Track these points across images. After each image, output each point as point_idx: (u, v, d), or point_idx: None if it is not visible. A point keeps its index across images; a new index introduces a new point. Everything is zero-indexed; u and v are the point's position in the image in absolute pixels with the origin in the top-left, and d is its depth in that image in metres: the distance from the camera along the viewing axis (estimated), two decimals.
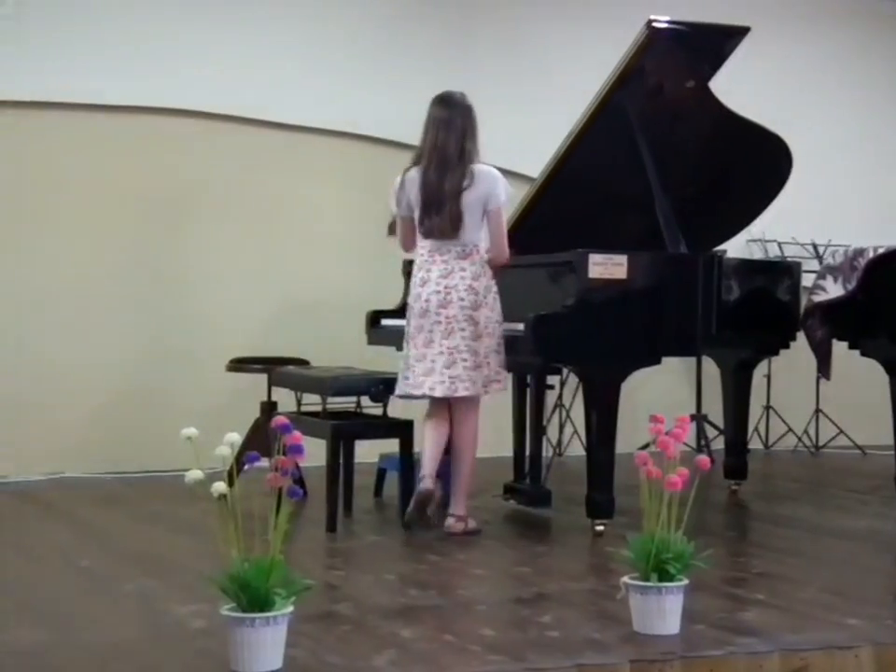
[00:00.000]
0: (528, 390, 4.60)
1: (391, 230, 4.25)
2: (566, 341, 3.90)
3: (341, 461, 4.18)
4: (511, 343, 4.02)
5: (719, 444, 5.55)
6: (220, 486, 2.45)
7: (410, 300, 4.06)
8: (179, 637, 2.77)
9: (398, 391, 4.07)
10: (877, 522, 4.38)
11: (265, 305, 5.59)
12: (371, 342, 4.76)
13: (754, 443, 6.17)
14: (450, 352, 3.94)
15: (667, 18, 4.17)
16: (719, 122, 4.44)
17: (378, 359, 4.63)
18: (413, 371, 3.99)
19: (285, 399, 4.58)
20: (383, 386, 4.16)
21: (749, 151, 4.51)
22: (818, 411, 6.33)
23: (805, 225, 6.19)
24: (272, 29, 5.62)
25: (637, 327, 4.00)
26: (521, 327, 3.92)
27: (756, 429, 6.28)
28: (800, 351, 4.71)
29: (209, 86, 5.48)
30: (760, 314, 4.48)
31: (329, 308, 5.51)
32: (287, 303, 5.56)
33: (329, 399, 4.19)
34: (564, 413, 5.95)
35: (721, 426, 5.29)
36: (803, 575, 3.49)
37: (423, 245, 4.01)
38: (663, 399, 5.51)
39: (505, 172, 5.83)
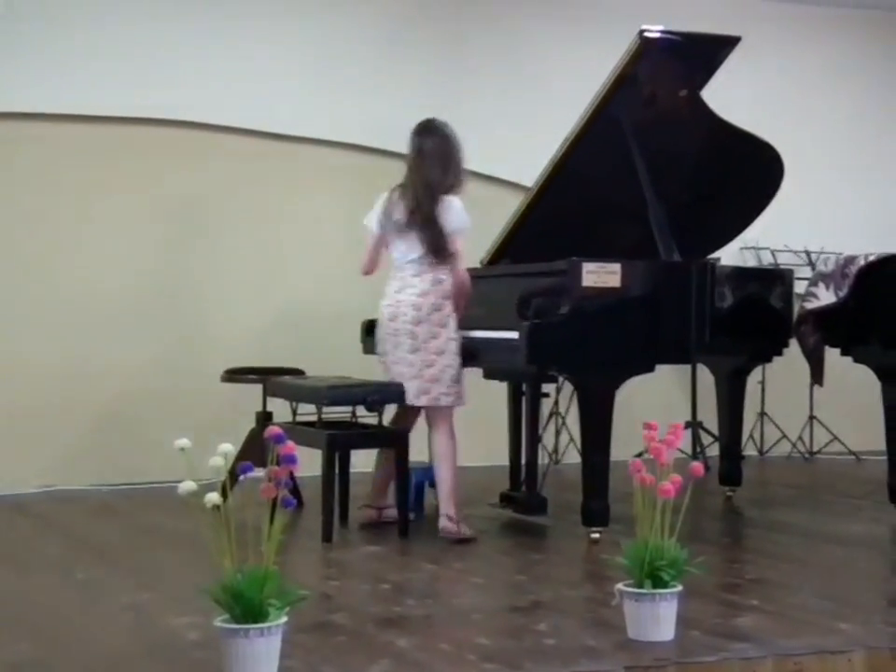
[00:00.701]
0: (524, 398, 4.61)
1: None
2: (560, 349, 3.91)
3: (336, 471, 4.19)
4: (505, 350, 4.03)
5: (714, 451, 5.56)
6: (213, 497, 2.45)
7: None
8: (174, 649, 2.77)
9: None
10: (871, 527, 4.39)
11: (261, 315, 5.60)
12: (367, 351, 4.76)
13: (749, 450, 6.19)
14: (394, 363, 4.18)
15: (660, 27, 4.19)
16: (711, 131, 4.46)
17: (373, 369, 4.63)
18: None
19: (280, 409, 4.58)
20: (378, 396, 4.16)
21: (742, 160, 4.53)
22: (811, 417, 6.34)
23: (797, 232, 6.21)
24: (270, 41, 5.64)
25: (631, 335, 4.01)
26: (515, 335, 3.93)
27: (751, 436, 6.29)
28: (793, 358, 4.72)
29: (206, 97, 5.49)
30: (753, 321, 4.50)
31: (325, 318, 5.52)
32: (283, 313, 5.56)
33: (325, 409, 4.19)
34: (560, 421, 5.96)
35: (716, 432, 5.30)
36: (796, 580, 3.50)
37: (393, 263, 4.21)
38: (658, 407, 5.50)
39: (499, 180, 5.98)
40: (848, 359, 4.56)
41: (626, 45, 4.19)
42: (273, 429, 2.57)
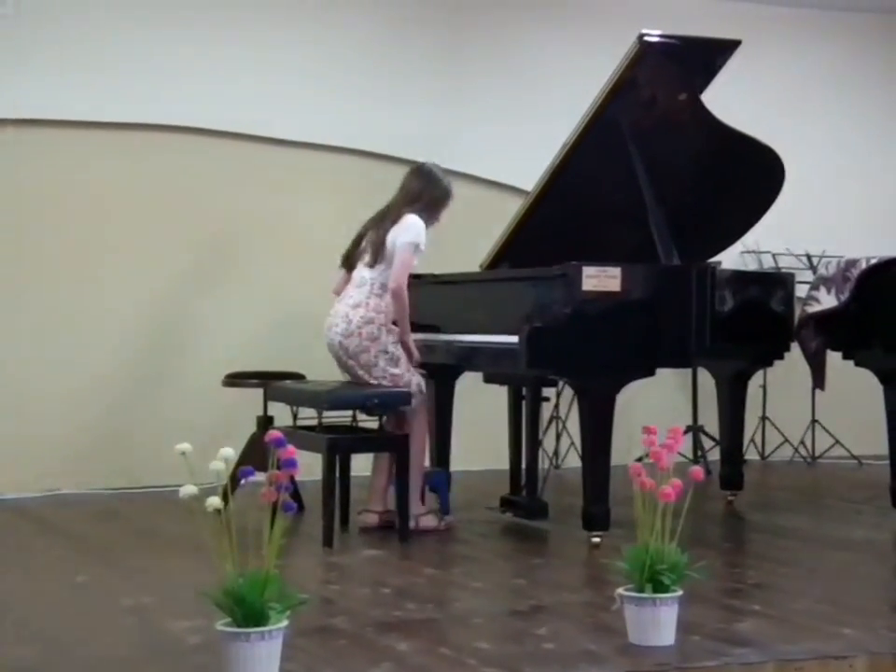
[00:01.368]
0: (524, 402, 4.61)
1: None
2: (560, 353, 3.91)
3: (337, 475, 4.19)
4: (505, 355, 4.03)
5: (715, 455, 5.56)
6: (215, 501, 2.46)
7: None
8: (175, 652, 2.77)
9: None
10: (873, 532, 4.38)
11: (261, 320, 5.60)
12: None
13: (750, 454, 6.18)
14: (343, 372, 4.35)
15: (659, 31, 4.19)
16: (711, 135, 4.46)
17: None
18: None
19: (281, 413, 4.58)
20: (378, 400, 4.16)
21: (742, 163, 4.53)
22: (813, 421, 6.34)
23: (798, 236, 6.21)
24: (269, 47, 5.64)
25: (632, 339, 4.01)
26: (515, 339, 3.93)
27: (752, 440, 6.28)
28: (795, 362, 4.72)
29: (206, 103, 5.50)
30: (754, 325, 4.49)
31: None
32: (284, 318, 5.56)
33: (325, 413, 4.19)
34: (560, 425, 5.95)
35: (717, 436, 5.29)
36: (798, 585, 3.50)
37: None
38: (658, 411, 5.51)
39: (499, 184, 5.98)
40: (850, 363, 4.56)
41: (626, 49, 4.20)
42: (273, 433, 2.57)
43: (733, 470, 4.95)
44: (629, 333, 4.00)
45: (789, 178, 4.59)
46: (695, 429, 6.04)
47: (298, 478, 3.53)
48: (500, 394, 4.78)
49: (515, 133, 5.94)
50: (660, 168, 4.33)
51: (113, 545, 4.14)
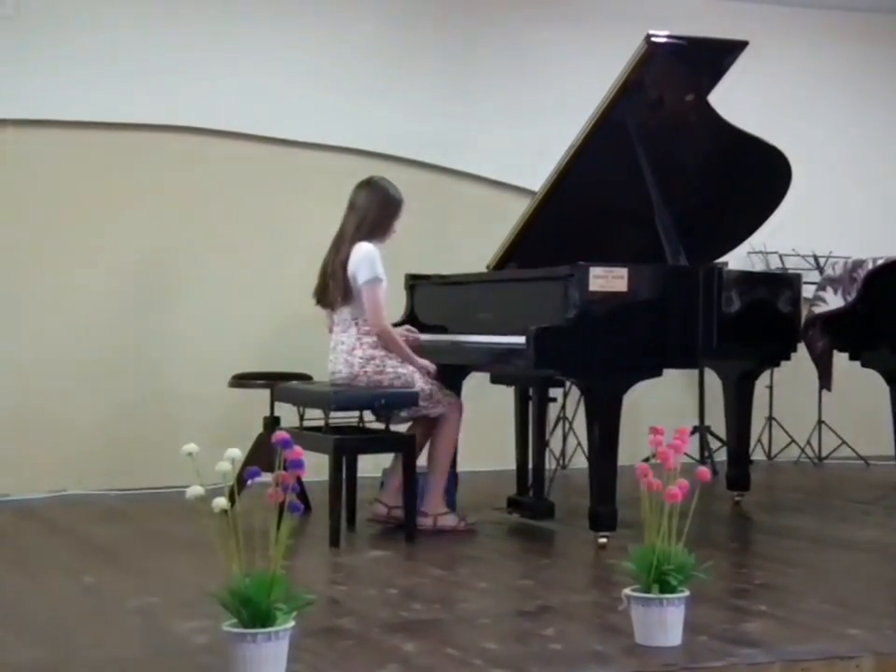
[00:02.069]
0: (531, 403, 4.61)
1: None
2: (567, 353, 3.91)
3: (343, 476, 4.19)
4: (512, 356, 4.02)
5: (721, 456, 5.55)
6: (221, 502, 2.46)
7: None
8: (181, 653, 2.77)
9: None
10: (880, 532, 4.37)
11: (268, 320, 5.60)
12: None
13: (757, 454, 6.17)
14: None
15: (666, 32, 4.19)
16: (718, 135, 4.46)
17: None
18: None
19: (288, 413, 4.59)
20: (385, 401, 4.17)
21: (749, 164, 4.53)
22: (820, 422, 6.33)
23: (805, 236, 6.20)
24: (274, 46, 5.65)
25: (639, 339, 4.00)
26: (522, 340, 3.93)
27: (759, 440, 6.28)
28: (802, 362, 4.71)
29: (210, 103, 5.51)
30: (761, 325, 4.48)
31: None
32: (290, 318, 5.57)
33: (332, 414, 4.20)
34: (567, 426, 5.95)
35: (724, 437, 5.29)
36: (805, 586, 3.49)
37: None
38: (665, 411, 5.52)
39: (506, 185, 5.98)
40: (857, 364, 4.55)
41: (633, 50, 4.19)
42: (280, 434, 2.58)
43: (739, 471, 4.94)
44: (636, 334, 3.99)
45: (796, 179, 4.58)
46: (702, 430, 6.03)
47: (304, 478, 3.52)
48: (507, 394, 4.79)
49: (522, 133, 5.94)
50: (667, 168, 4.32)
51: (119, 546, 4.14)
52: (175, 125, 5.48)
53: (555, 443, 5.76)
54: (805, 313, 4.61)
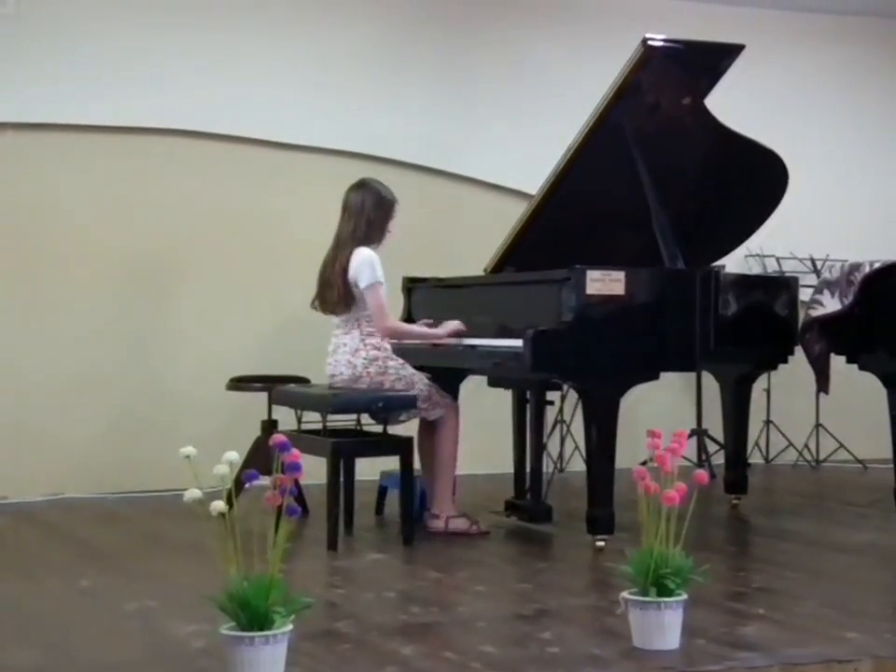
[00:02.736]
0: (528, 406, 4.61)
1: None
2: (564, 357, 3.91)
3: (341, 479, 4.19)
4: (509, 359, 4.02)
5: (719, 459, 5.56)
6: (219, 505, 2.46)
7: None
8: (179, 657, 2.77)
9: None
10: (878, 535, 4.37)
11: (266, 323, 5.60)
12: None
13: (755, 458, 6.17)
14: None
15: (663, 36, 4.20)
16: (715, 139, 4.46)
17: None
18: None
19: (285, 417, 4.58)
20: (383, 404, 4.17)
21: (746, 167, 4.53)
22: (818, 425, 6.33)
23: (802, 240, 6.21)
24: (271, 50, 5.65)
25: (636, 342, 4.01)
26: (519, 343, 3.93)
27: (756, 444, 6.28)
28: (799, 365, 4.72)
29: (208, 107, 5.51)
30: (758, 328, 4.49)
31: (330, 325, 5.53)
32: (288, 321, 5.57)
33: (330, 417, 4.20)
34: (564, 429, 5.95)
35: (721, 440, 5.29)
36: (803, 589, 3.49)
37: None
38: (663, 415, 5.52)
39: (503, 188, 5.99)
40: (854, 367, 4.55)
41: (630, 53, 4.20)
42: (278, 437, 2.58)
43: (737, 474, 4.95)
44: (633, 337, 4.00)
45: (792, 182, 4.59)
46: (700, 433, 6.03)
47: (302, 481, 3.55)
48: (505, 397, 4.79)
49: (519, 136, 5.94)
50: (664, 171, 4.32)
51: (117, 549, 4.14)
52: (171, 129, 5.47)
53: (553, 446, 5.76)
54: (802, 316, 4.61)
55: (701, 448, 6.03)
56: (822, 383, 4.61)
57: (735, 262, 5.35)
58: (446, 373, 4.52)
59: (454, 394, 4.55)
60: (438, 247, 5.62)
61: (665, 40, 4.18)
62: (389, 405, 4.17)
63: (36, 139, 5.30)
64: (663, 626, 2.75)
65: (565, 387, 4.80)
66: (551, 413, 5.17)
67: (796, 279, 4.73)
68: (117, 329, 5.41)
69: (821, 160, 6.45)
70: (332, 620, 3.09)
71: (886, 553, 4.11)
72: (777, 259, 6.21)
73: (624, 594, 2.81)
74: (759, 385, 5.20)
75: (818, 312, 4.50)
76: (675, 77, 4.33)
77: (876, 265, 4.34)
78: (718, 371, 4.95)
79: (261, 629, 2.47)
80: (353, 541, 4.26)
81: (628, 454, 4.18)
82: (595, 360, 3.94)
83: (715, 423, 5.39)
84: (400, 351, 4.39)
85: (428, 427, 4.38)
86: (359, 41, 5.81)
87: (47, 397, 5.27)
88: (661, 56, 4.20)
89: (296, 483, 2.58)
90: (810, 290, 4.74)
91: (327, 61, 5.75)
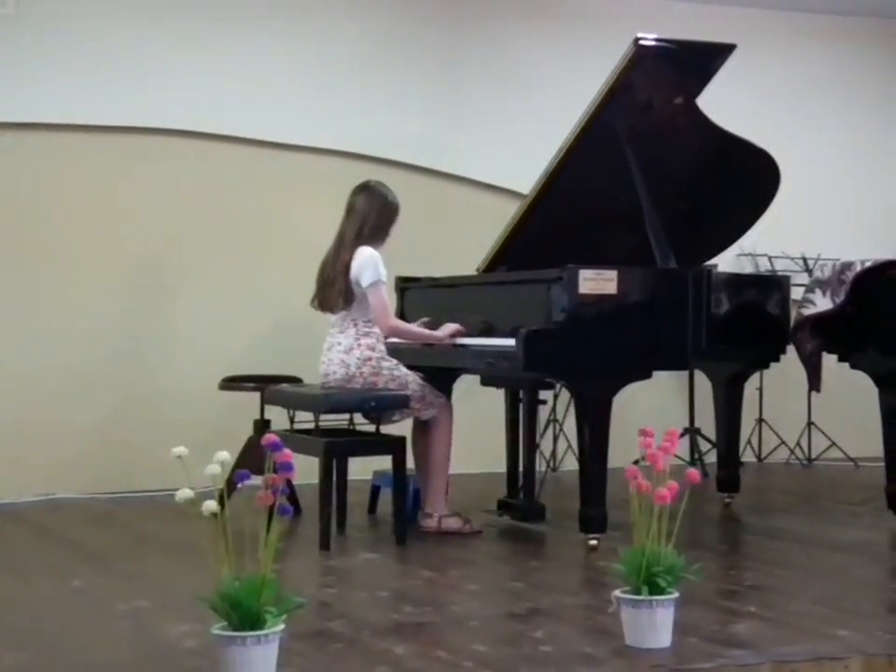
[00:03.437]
0: (521, 405, 4.61)
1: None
2: (557, 356, 3.91)
3: (334, 478, 4.19)
4: (502, 358, 4.03)
5: (711, 457, 5.57)
6: (211, 505, 2.45)
7: None
8: (171, 657, 2.77)
9: None
10: (869, 534, 4.38)
11: (257, 323, 5.60)
12: None
13: (747, 456, 6.19)
14: None
15: (654, 35, 4.20)
16: (707, 138, 4.47)
17: None
18: None
19: (278, 416, 4.58)
20: (375, 403, 4.17)
21: (738, 167, 4.54)
22: (810, 423, 6.34)
23: (794, 239, 6.22)
24: (267, 51, 5.65)
25: (628, 341, 4.01)
26: (512, 342, 3.93)
27: (749, 442, 6.29)
28: (791, 364, 4.72)
29: (206, 107, 5.50)
30: (750, 327, 4.50)
31: (322, 325, 5.53)
32: (281, 321, 5.57)
33: (322, 417, 4.19)
34: (557, 428, 5.96)
35: (714, 439, 5.30)
36: (794, 587, 3.50)
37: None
38: (655, 414, 5.52)
39: (496, 188, 5.99)
40: (846, 366, 4.56)
41: (621, 53, 4.20)
42: (270, 437, 2.57)
43: (729, 473, 4.96)
44: (626, 336, 4.00)
45: (784, 181, 4.59)
46: (692, 432, 6.05)
47: (294, 481, 3.55)
48: (497, 397, 4.79)
49: (512, 136, 5.94)
50: (656, 171, 4.33)
51: (109, 549, 4.13)
52: (169, 129, 5.47)
53: (546, 445, 5.77)
54: (794, 315, 4.62)
55: (693, 447, 6.04)
56: (814, 381, 4.61)
57: (726, 261, 5.35)
58: (439, 373, 4.52)
59: (447, 393, 4.55)
60: (431, 247, 5.62)
61: (656, 40, 4.19)
62: (381, 405, 4.17)
63: (36, 139, 5.29)
64: (655, 624, 2.75)
65: (557, 386, 4.80)
66: (543, 413, 5.17)
67: (788, 278, 4.74)
68: (108, 330, 5.40)
69: (813, 159, 6.47)
70: (325, 619, 3.09)
71: (877, 551, 4.12)
72: (769, 258, 6.22)
73: (617, 592, 2.81)
74: (751, 384, 5.22)
75: (809, 311, 4.50)
76: (667, 76, 4.34)
77: (868, 264, 4.35)
78: (710, 369, 4.96)
79: (253, 629, 2.47)
80: (345, 541, 4.26)
81: (621, 452, 4.19)
82: (588, 359, 3.94)
83: (707, 421, 5.41)
84: (394, 351, 4.39)
85: (422, 427, 4.38)
86: (352, 43, 5.81)
87: (38, 397, 5.26)
88: (653, 56, 4.20)
89: (288, 482, 2.58)
90: (802, 289, 4.75)
91: (322, 62, 5.75)
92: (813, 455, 6.37)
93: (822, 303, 4.44)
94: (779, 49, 6.58)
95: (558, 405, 5.79)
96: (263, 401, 4.70)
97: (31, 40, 5.25)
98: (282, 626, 2.51)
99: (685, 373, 5.99)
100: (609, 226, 4.62)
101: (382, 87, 5.83)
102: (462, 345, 4.33)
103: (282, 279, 5.58)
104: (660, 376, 4.30)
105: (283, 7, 5.71)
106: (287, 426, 4.37)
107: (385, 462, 4.30)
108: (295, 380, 4.82)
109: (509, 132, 5.97)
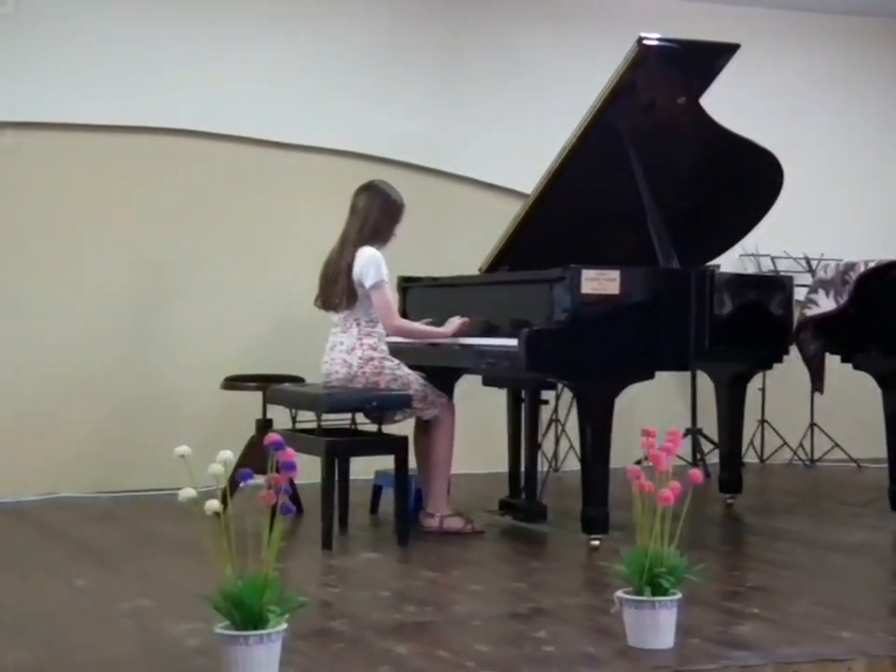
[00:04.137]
0: (523, 405, 4.61)
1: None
2: (559, 356, 3.91)
3: (336, 478, 4.19)
4: (504, 358, 4.03)
5: (714, 458, 5.56)
6: (214, 504, 2.45)
7: None
8: (174, 656, 2.77)
9: None
10: (872, 535, 4.38)
11: (260, 322, 5.60)
12: None
13: (749, 457, 6.19)
14: None
15: (658, 35, 4.20)
16: (710, 138, 4.46)
17: None
18: None
19: (280, 416, 4.58)
20: (377, 403, 4.17)
21: (741, 167, 4.54)
22: (812, 424, 6.34)
23: (797, 239, 6.22)
24: (269, 50, 5.64)
25: (631, 342, 4.01)
26: (514, 342, 3.93)
27: (751, 443, 6.29)
28: (794, 365, 4.72)
29: (207, 106, 5.50)
30: (753, 328, 4.49)
31: (324, 325, 5.53)
32: (283, 321, 5.57)
33: (324, 416, 4.19)
34: (559, 428, 5.96)
35: (716, 439, 5.30)
36: (797, 588, 3.50)
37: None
38: (657, 414, 5.52)
39: (498, 188, 5.99)
40: (849, 366, 4.56)
41: (625, 52, 4.20)
42: (272, 436, 2.58)
43: (732, 473, 4.95)
44: (628, 336, 4.00)
45: (787, 181, 4.59)
46: (694, 432, 6.04)
47: (297, 481, 3.55)
48: (499, 397, 4.79)
49: (515, 136, 5.94)
50: (658, 171, 4.33)
51: (112, 548, 4.13)
52: (169, 128, 5.47)
53: (548, 446, 5.77)
54: (796, 315, 4.62)
55: (696, 447, 6.04)
56: (817, 382, 4.61)
57: (729, 262, 5.35)
58: (441, 373, 4.52)
59: (449, 393, 4.55)
60: (433, 247, 5.62)
61: (659, 39, 4.19)
62: (384, 405, 4.17)
63: (35, 138, 5.29)
64: (657, 625, 2.75)
65: (559, 386, 4.80)
66: (545, 413, 5.17)
67: (791, 278, 4.73)
68: (111, 329, 5.40)
69: (817, 159, 6.46)
70: (327, 619, 3.09)
71: (880, 552, 4.12)
72: (772, 259, 6.22)
73: (619, 593, 2.81)
74: (754, 385, 5.21)
75: (812, 311, 4.50)
76: (670, 76, 4.34)
77: (871, 264, 4.35)
78: (712, 370, 4.96)
79: (256, 628, 2.47)
80: (347, 540, 4.26)
81: (623, 453, 4.18)
82: (590, 360, 3.94)
83: (710, 422, 5.40)
84: (395, 350, 4.39)
85: (424, 427, 4.38)
86: (354, 42, 5.80)
87: (40, 395, 5.27)
88: (656, 55, 4.20)
89: (290, 482, 2.57)
90: (805, 290, 4.75)
91: (324, 61, 5.75)
92: (816, 456, 6.36)
93: (825, 304, 4.43)
94: (782, 49, 6.57)
95: (560, 405, 5.79)
96: (265, 401, 4.70)
97: (31, 39, 5.25)
98: (284, 626, 2.51)
99: (687, 374, 5.98)
100: (611, 226, 4.62)
101: (385, 86, 5.83)
102: (464, 345, 4.33)
103: (285, 278, 5.58)
104: (662, 377, 4.30)
105: (286, 6, 5.71)
106: (289, 425, 4.37)
107: (387, 462, 4.30)
108: (297, 379, 4.82)
109: (511, 131, 5.96)
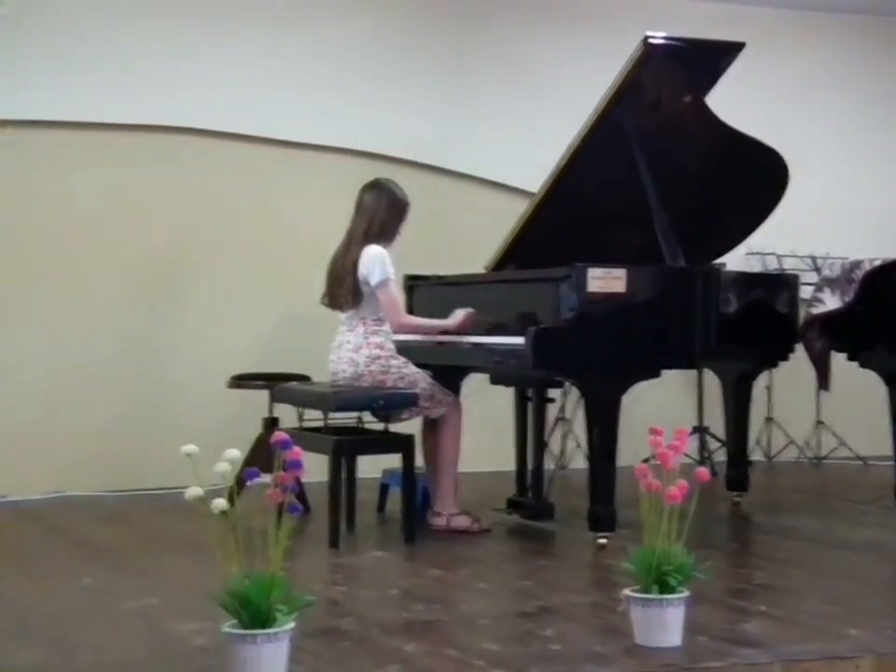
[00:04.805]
0: (530, 404, 4.61)
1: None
2: (565, 354, 3.91)
3: (343, 477, 4.19)
4: (510, 356, 4.03)
5: (721, 456, 5.56)
6: (220, 503, 2.46)
7: None
8: (181, 654, 2.78)
9: None
10: (879, 532, 4.38)
11: (266, 321, 5.60)
12: None
13: (756, 455, 6.17)
14: None
15: (664, 34, 4.20)
16: (716, 137, 4.46)
17: None
18: None
19: (287, 414, 4.59)
20: (383, 402, 4.17)
21: (746, 165, 4.53)
22: (819, 422, 6.33)
23: (803, 237, 6.20)
24: (274, 48, 5.65)
25: (637, 340, 4.01)
26: (521, 341, 3.93)
27: (758, 441, 6.28)
28: (800, 363, 4.72)
29: (209, 104, 5.51)
30: (759, 326, 4.49)
31: (331, 323, 5.53)
32: (289, 319, 5.57)
33: (331, 415, 4.20)
34: (566, 426, 5.95)
35: (723, 438, 5.29)
36: (804, 586, 3.50)
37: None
38: (664, 412, 5.50)
39: (504, 186, 5.99)
40: (855, 364, 4.55)
41: (630, 51, 4.20)
42: (279, 435, 2.58)
43: (738, 471, 4.95)
44: (635, 334, 4.00)
45: (793, 180, 4.58)
46: (701, 430, 6.04)
47: (304, 479, 3.54)
48: (506, 395, 4.79)
49: (521, 135, 5.94)
50: (664, 170, 4.32)
51: (118, 547, 4.14)
52: (174, 126, 5.48)
53: (555, 444, 5.77)
54: (802, 313, 4.61)
55: (702, 445, 6.03)
56: (823, 380, 4.61)
57: (735, 260, 5.34)
58: (448, 371, 4.53)
59: (455, 392, 4.56)
60: (439, 245, 5.62)
61: (665, 38, 4.18)
62: (390, 403, 4.17)
63: (38, 137, 5.30)
64: (665, 623, 2.75)
65: (566, 385, 4.80)
66: (552, 411, 5.17)
67: (797, 277, 4.73)
68: (117, 327, 5.41)
69: (822, 157, 6.45)
70: (334, 617, 3.09)
71: (887, 549, 4.11)
72: (778, 257, 6.21)
73: (626, 591, 2.81)
74: (760, 383, 5.21)
75: (818, 309, 4.50)
76: (675, 75, 4.33)
77: (877, 263, 4.34)
78: (719, 368, 4.95)
79: (263, 627, 2.47)
80: (354, 539, 4.26)
81: (630, 451, 4.18)
82: (597, 358, 3.94)
83: (716, 420, 5.39)
84: (403, 349, 4.39)
85: (431, 426, 4.38)
86: (360, 41, 5.81)
87: (47, 394, 5.28)
88: (661, 54, 4.20)
89: (297, 480, 2.57)
90: (811, 288, 4.74)
91: (330, 60, 5.75)
92: (822, 454, 6.36)
93: (831, 302, 4.43)
94: (788, 48, 6.56)
95: (567, 403, 5.78)
96: (272, 399, 4.71)
97: (32, 39, 5.25)
98: (292, 624, 2.51)
99: (694, 372, 5.98)
100: (617, 224, 4.61)
101: (391, 85, 5.83)
102: (471, 343, 4.33)
103: (291, 277, 5.58)
104: (669, 375, 4.30)
105: (291, 5, 5.71)
106: (296, 424, 4.38)
107: (394, 460, 4.31)
108: (304, 378, 4.82)
109: (517, 130, 5.96)
